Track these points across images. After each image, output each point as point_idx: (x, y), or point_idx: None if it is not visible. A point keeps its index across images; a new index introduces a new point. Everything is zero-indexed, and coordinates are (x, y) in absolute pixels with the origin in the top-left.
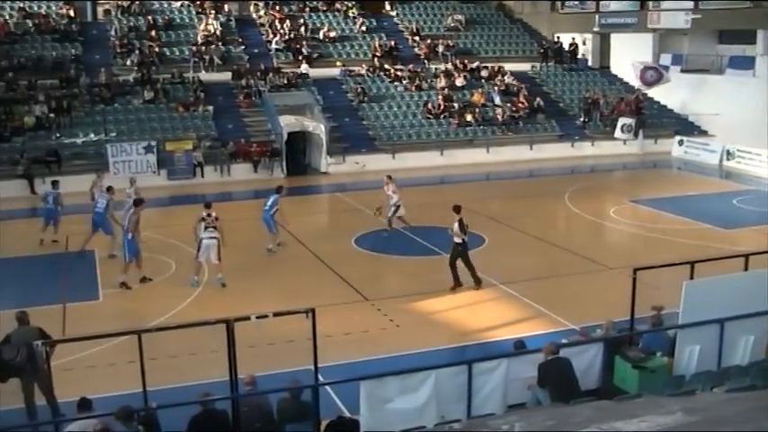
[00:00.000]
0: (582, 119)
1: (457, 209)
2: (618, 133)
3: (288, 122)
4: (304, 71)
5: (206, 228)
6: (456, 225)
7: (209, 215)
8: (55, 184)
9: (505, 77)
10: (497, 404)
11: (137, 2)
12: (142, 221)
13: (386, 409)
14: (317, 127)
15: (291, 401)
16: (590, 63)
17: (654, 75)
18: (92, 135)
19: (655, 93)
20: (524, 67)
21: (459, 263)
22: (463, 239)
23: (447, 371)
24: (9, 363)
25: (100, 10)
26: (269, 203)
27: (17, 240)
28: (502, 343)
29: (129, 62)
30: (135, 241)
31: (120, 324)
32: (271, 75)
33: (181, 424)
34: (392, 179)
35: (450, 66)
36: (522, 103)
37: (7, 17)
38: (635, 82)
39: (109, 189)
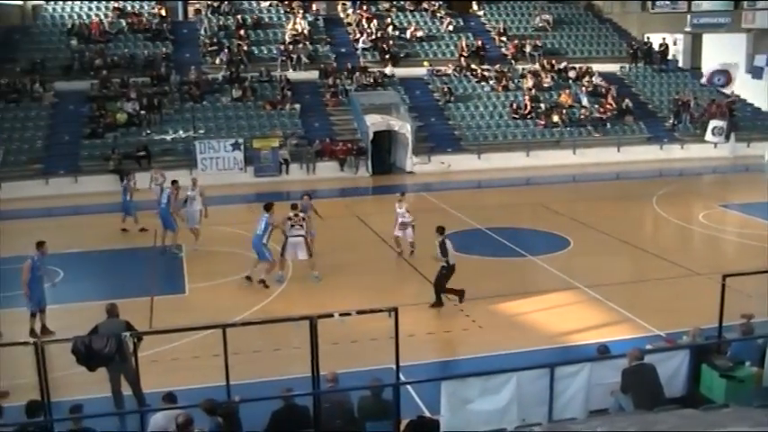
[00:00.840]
0: (671, 121)
1: (440, 230)
2: (708, 136)
3: (374, 121)
4: (389, 73)
5: (292, 226)
6: (437, 247)
7: (295, 215)
8: (128, 175)
9: (593, 78)
10: (579, 409)
11: (226, 1)
12: (230, 217)
13: (467, 409)
14: (403, 126)
15: (372, 399)
16: (681, 64)
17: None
18: (181, 132)
19: (748, 95)
20: (613, 67)
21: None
22: (447, 262)
23: (529, 373)
24: (98, 353)
25: (190, 9)
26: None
27: (108, 234)
28: (585, 347)
29: (218, 61)
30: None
31: (206, 318)
32: (357, 74)
33: (262, 418)
34: (405, 196)
35: (537, 66)
36: (611, 104)
37: (102, 17)
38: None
39: (174, 183)
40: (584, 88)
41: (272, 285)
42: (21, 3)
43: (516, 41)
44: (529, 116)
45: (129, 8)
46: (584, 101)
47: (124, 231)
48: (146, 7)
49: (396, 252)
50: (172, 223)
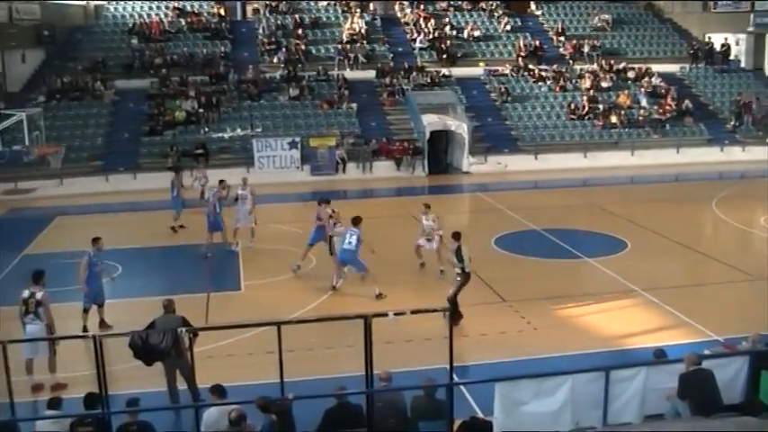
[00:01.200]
0: (732, 122)
1: (456, 236)
2: None
3: (430, 121)
4: (447, 72)
5: (335, 224)
6: (452, 254)
7: (334, 211)
8: (178, 172)
9: (653, 79)
10: (634, 413)
11: (284, 1)
12: (286, 215)
13: (520, 411)
14: (460, 126)
15: (425, 399)
16: (743, 64)
17: None
18: (238, 130)
19: None
20: (673, 68)
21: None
22: (462, 269)
23: (584, 376)
24: (155, 347)
25: (249, 9)
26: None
27: (166, 230)
28: (641, 351)
29: (275, 59)
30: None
31: (261, 315)
32: (414, 73)
33: (315, 416)
34: (430, 208)
35: (595, 66)
36: (670, 105)
37: (162, 16)
38: None
39: (221, 182)
40: (643, 89)
41: (327, 283)
42: (83, 3)
43: (574, 41)
44: (586, 117)
45: (188, 8)
46: (643, 102)
47: (181, 228)
48: (205, 7)
49: (419, 264)
50: (219, 224)
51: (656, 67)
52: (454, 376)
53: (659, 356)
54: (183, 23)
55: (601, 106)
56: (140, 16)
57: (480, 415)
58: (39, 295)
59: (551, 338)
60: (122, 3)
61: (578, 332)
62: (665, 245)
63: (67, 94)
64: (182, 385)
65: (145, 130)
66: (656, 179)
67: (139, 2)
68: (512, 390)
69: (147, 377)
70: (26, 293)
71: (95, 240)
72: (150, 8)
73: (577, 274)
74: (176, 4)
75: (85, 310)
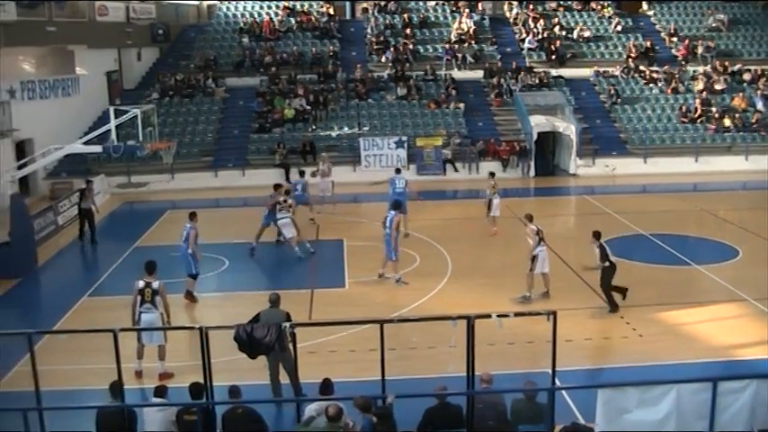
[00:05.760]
0: None
1: (597, 234)
2: None
3: (538, 122)
4: (556, 73)
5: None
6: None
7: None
8: (302, 173)
9: None
10: (742, 427)
11: (393, 0)
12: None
13: (623, 419)
14: (568, 128)
15: (526, 403)
16: None
17: None
18: (345, 128)
19: None
20: None
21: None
22: (610, 262)
23: (690, 386)
24: (260, 341)
25: (358, 8)
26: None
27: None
28: (751, 362)
29: (383, 59)
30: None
31: (363, 313)
32: (522, 74)
33: (416, 415)
34: (533, 220)
35: (709, 68)
36: None
37: (273, 15)
38: None
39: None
40: (759, 91)
41: (431, 283)
42: (197, 2)
43: (687, 42)
44: (699, 120)
45: (298, 7)
46: (759, 105)
47: (311, 221)
48: (314, 6)
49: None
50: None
51: None
52: (556, 381)
53: None
54: (293, 23)
55: (714, 109)
56: (251, 15)
57: (582, 421)
58: (155, 285)
59: (657, 346)
60: (234, 2)
61: (685, 341)
62: None
63: (180, 91)
64: (284, 379)
65: (254, 128)
66: None
67: (251, 1)
68: (615, 397)
69: (251, 370)
70: (141, 284)
71: (192, 215)
72: (261, 7)
73: (686, 280)
74: (287, 4)
75: (194, 277)
